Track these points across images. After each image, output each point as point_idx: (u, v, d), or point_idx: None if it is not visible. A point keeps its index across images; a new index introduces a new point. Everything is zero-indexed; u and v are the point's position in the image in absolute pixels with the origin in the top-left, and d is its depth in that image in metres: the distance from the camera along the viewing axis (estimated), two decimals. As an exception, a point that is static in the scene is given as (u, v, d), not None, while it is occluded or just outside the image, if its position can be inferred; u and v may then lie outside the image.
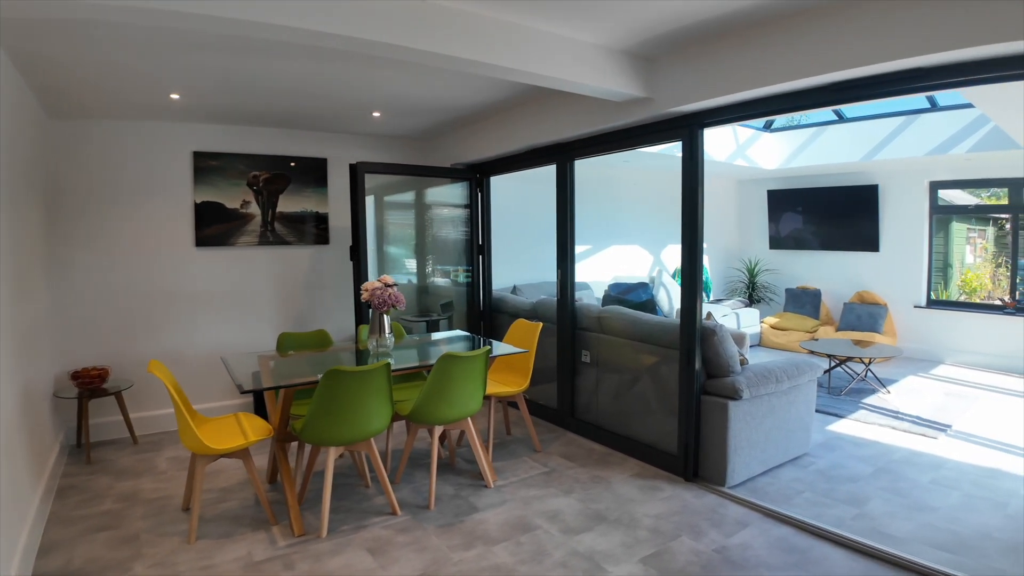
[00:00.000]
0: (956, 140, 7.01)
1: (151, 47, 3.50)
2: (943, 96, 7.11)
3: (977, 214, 10.40)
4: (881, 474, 4.37)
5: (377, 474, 3.79)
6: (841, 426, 5.45)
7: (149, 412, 5.40)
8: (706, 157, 7.62)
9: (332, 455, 3.58)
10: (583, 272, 7.98)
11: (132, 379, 5.18)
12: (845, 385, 6.59)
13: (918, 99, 7.29)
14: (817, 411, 5.73)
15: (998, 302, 8.29)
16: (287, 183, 6.08)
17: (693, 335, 3.96)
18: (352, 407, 3.46)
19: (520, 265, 7.13)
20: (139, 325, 5.38)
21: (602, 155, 4.83)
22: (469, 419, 4.05)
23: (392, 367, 3.72)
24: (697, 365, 4.00)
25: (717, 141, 7.71)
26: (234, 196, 5.81)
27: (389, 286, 4.16)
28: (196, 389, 5.44)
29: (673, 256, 9.09)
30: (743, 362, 4.16)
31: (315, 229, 6.27)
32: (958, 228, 13.84)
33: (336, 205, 6.27)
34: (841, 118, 8.03)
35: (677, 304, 7.78)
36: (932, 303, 8.56)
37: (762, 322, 9.15)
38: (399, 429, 5.28)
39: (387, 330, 4.22)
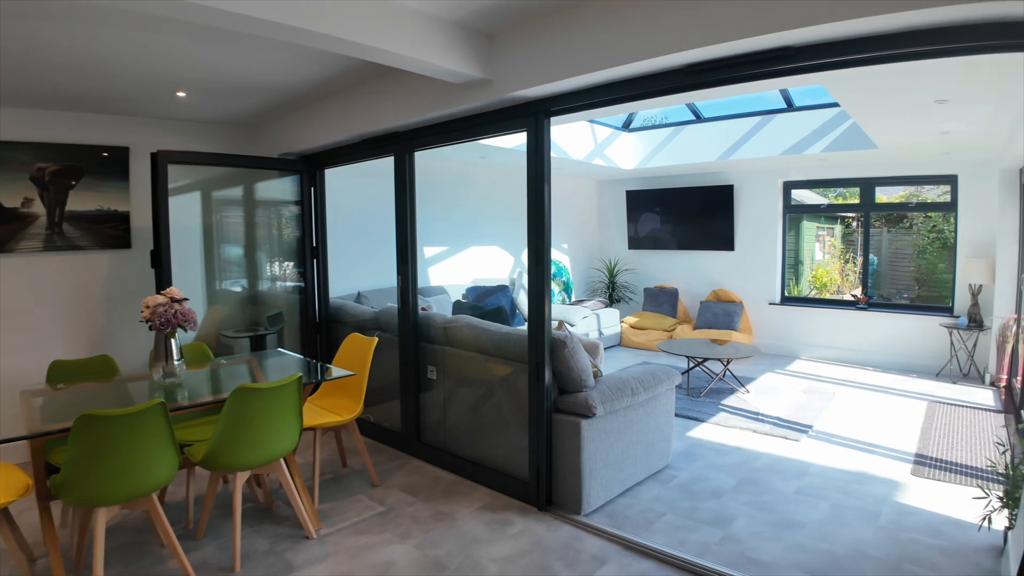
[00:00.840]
0: (811, 140, 7.11)
1: None
2: (799, 96, 7.21)
3: (828, 212, 10.93)
4: (745, 486, 4.15)
5: (162, 535, 3.05)
6: (702, 431, 5.25)
7: None
8: (564, 156, 7.41)
9: (102, 517, 2.82)
10: (440, 275, 7.45)
11: None
12: (704, 386, 6.48)
13: (775, 99, 7.35)
14: (677, 415, 5.52)
15: (850, 298, 8.60)
16: (79, 176, 5.11)
17: (542, 347, 3.52)
18: (120, 457, 2.73)
19: (366, 270, 6.49)
20: None
21: (443, 146, 4.31)
22: (283, 460, 3.39)
23: (181, 402, 3.01)
24: (547, 380, 3.56)
25: (575, 139, 7.43)
26: (13, 193, 4.80)
27: (176, 301, 3.42)
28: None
29: (533, 257, 8.79)
30: (597, 374, 3.78)
31: (114, 231, 5.33)
32: (808, 227, 14.60)
33: (142, 202, 5.34)
34: (698, 118, 8.00)
35: (536, 307, 7.43)
36: (786, 300, 8.76)
37: (622, 322, 9.03)
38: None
39: (175, 355, 3.47)
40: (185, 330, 3.52)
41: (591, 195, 10.03)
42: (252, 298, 5.95)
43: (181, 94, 4.74)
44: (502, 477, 3.97)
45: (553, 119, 3.59)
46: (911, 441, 5.03)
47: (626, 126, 8.38)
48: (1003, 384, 6.61)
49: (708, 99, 4.72)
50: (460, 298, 7.14)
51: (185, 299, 3.51)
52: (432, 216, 7.37)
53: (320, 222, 5.56)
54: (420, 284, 7.09)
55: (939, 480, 4.26)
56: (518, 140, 6.77)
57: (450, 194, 7.53)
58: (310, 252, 5.55)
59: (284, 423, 3.29)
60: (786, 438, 5.07)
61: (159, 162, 4.61)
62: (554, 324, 4.06)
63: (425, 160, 6.30)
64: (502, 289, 7.27)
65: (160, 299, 3.40)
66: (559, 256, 9.28)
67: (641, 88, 3.14)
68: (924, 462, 4.58)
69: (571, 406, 3.57)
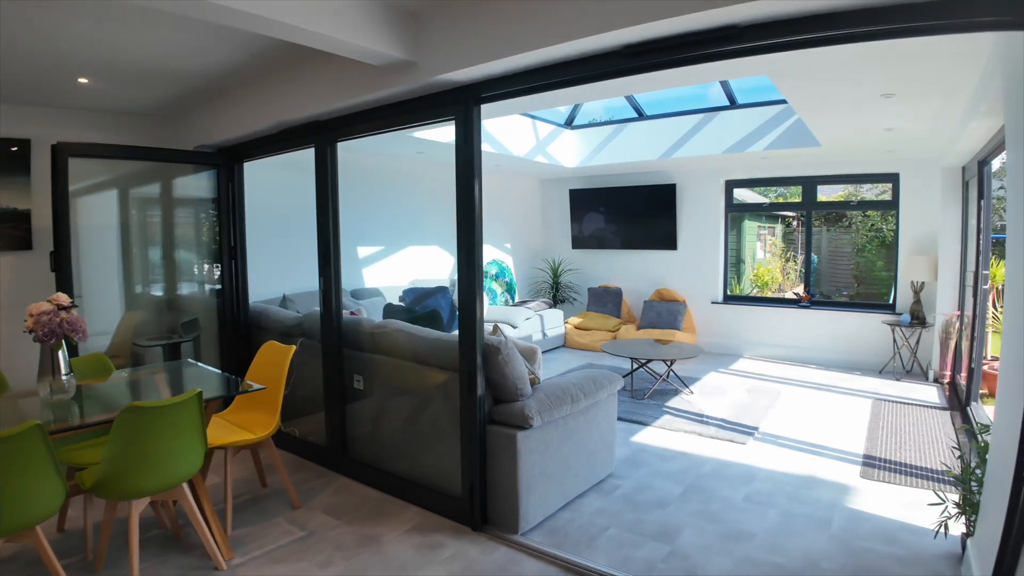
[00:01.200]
0: (754, 138, 7.02)
1: None
2: (742, 93, 7.10)
3: (769, 211, 10.97)
4: (691, 494, 3.94)
5: (51, 570, 2.65)
6: (646, 435, 5.05)
7: None
8: (505, 152, 7.14)
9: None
10: (376, 277, 7.09)
11: None
12: (648, 388, 6.29)
13: (717, 96, 7.23)
14: (620, 419, 5.32)
15: (793, 296, 8.57)
16: (-33, 171, 4.63)
17: (473, 355, 3.23)
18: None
19: (293, 271, 6.07)
20: None
21: (367, 136, 3.99)
22: (186, 485, 3.02)
23: (70, 421, 2.64)
24: (480, 390, 3.27)
25: (516, 136, 7.16)
26: None
27: (64, 308, 3.01)
28: None
29: (475, 257, 8.49)
30: (534, 381, 3.51)
31: (15, 231, 4.85)
32: (749, 226, 14.71)
33: (46, 199, 4.84)
34: (641, 115, 7.84)
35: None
36: (729, 299, 8.68)
37: (566, 322, 8.82)
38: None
39: (63, 369, 3.07)
40: (72, 341, 3.12)
41: (534, 194, 9.80)
42: (168, 303, 5.51)
43: (83, 80, 4.31)
44: (434, 495, 3.66)
45: (488, 108, 3.31)
46: (858, 441, 4.92)
47: (568, 123, 8.17)
48: (947, 380, 6.62)
49: (649, 90, 4.52)
50: (398, 300, 6.80)
51: (73, 306, 3.10)
52: (367, 214, 7.02)
53: (239, 219, 5.14)
54: (354, 286, 6.76)
55: (889, 482, 4.15)
56: (434, 123, 6.47)
57: (386, 191, 7.19)
58: (228, 252, 5.13)
59: (184, 444, 2.92)
60: (732, 441, 4.90)
61: (59, 155, 4.20)
62: (488, 328, 3.77)
63: (358, 155, 5.97)
64: (441, 291, 6.96)
65: (45, 306, 2.99)
66: (502, 256, 9.01)
67: (577, 72, 2.88)
68: (873, 463, 4.47)
69: (506, 417, 3.29)
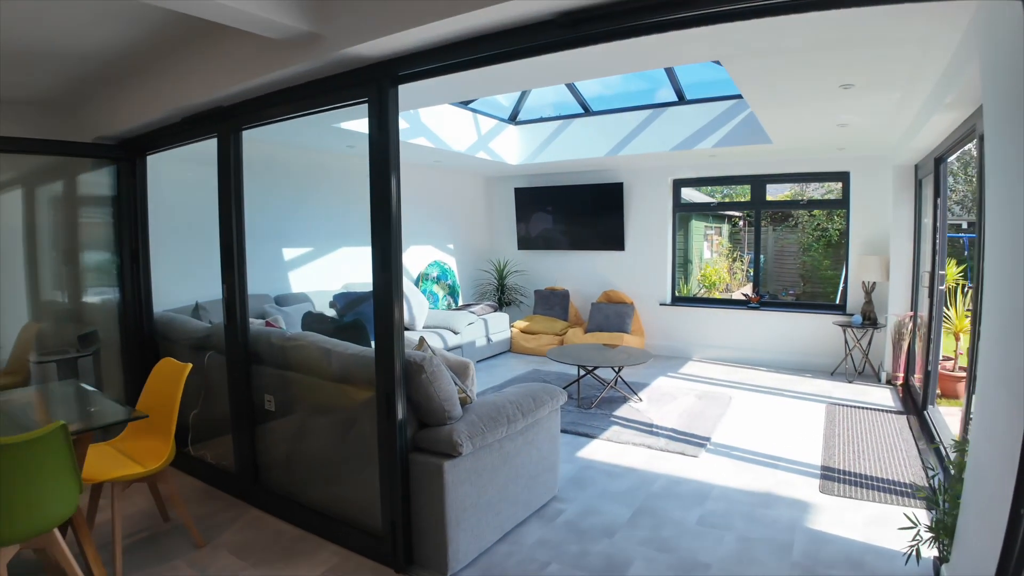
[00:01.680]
0: (702, 135, 6.75)
1: None
2: (691, 89, 6.82)
3: (718, 211, 10.79)
4: (641, 518, 3.59)
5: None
6: (593, 449, 4.69)
7: None
8: (444, 147, 6.69)
9: None
10: (304, 281, 6.57)
11: None
12: (596, 395, 5.94)
13: (665, 92, 6.95)
14: (566, 432, 4.96)
15: (741, 296, 8.36)
16: None
17: (392, 374, 2.79)
18: None
19: (208, 275, 5.49)
20: None
21: (274, 122, 3.51)
22: (56, 532, 2.52)
23: None
24: (400, 414, 2.84)
25: (457, 130, 6.74)
26: None
27: None
28: None
29: (416, 258, 8.00)
30: (466, 401, 3.09)
31: None
32: (696, 226, 14.60)
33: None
34: (587, 111, 7.50)
35: (419, 316, 6.69)
36: (677, 300, 8.43)
37: (512, 326, 8.43)
38: None
39: None
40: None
41: (479, 192, 9.39)
42: (69, 313, 4.92)
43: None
44: (355, 532, 3.21)
45: (419, 94, 2.94)
46: (815, 450, 4.67)
47: (512, 119, 7.78)
48: (900, 382, 6.47)
49: (593, 76, 4.15)
50: (328, 305, 6.29)
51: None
52: (295, 214, 6.50)
53: (141, 218, 4.60)
54: (280, 291, 6.23)
55: (850, 497, 3.88)
56: (346, 104, 6.01)
57: (317, 189, 6.67)
58: (129, 255, 4.58)
59: (49, 485, 2.44)
60: (683, 454, 4.59)
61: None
62: (413, 340, 3.34)
63: (286, 150, 5.51)
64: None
65: None
66: (444, 258, 8.57)
67: (508, 44, 2.48)
68: (832, 476, 4.21)
69: (433, 444, 2.87)
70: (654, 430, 5.09)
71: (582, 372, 5.99)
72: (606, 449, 4.70)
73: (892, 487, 4.02)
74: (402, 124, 5.89)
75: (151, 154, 4.62)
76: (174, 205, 5.01)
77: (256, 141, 5.21)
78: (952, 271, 6.32)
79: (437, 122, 6.40)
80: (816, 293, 13.77)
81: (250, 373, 3.75)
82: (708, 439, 4.90)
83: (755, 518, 3.60)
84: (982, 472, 2.30)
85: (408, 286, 7.06)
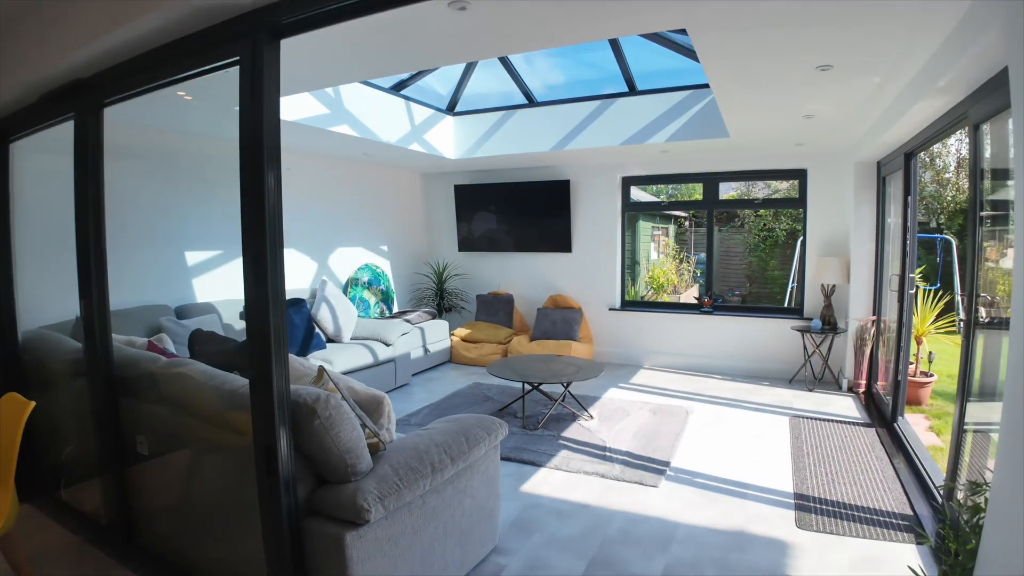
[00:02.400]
0: (655, 128, 6.23)
1: None
2: (643, 79, 6.29)
3: (669, 210, 10.37)
4: (597, 570, 3.01)
5: None
6: (540, 482, 4.10)
7: None
8: (371, 137, 5.95)
9: None
10: (212, 289, 5.77)
11: None
12: (542, 413, 5.36)
13: (615, 80, 6.40)
14: (509, 460, 4.36)
15: (694, 300, 7.92)
16: None
17: (272, 420, 2.11)
18: None
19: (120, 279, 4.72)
20: None
21: (138, 93, 2.79)
22: None
23: None
24: (285, 472, 2.16)
25: (385, 119, 6.05)
26: None
27: None
28: None
29: (343, 262, 7.26)
30: (377, 448, 2.44)
31: None
32: (644, 226, 14.21)
33: None
34: (531, 101, 6.91)
35: (345, 326, 6.00)
36: (627, 304, 7.94)
37: (452, 334, 7.78)
38: None
39: None
40: None
41: (415, 189, 8.70)
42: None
43: None
44: (240, 611, 2.53)
45: (318, 67, 2.25)
46: (784, 474, 4.20)
47: (450, 109, 7.14)
48: (862, 390, 6.10)
49: (532, 47, 3.51)
50: (239, 316, 5.52)
51: None
52: (199, 212, 5.71)
53: (2, 215, 3.80)
54: (181, 301, 5.44)
55: (830, 532, 3.41)
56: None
57: (227, 184, 5.88)
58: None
59: None
60: (642, 483, 4.04)
61: None
62: (310, 369, 2.67)
63: (184, 140, 4.80)
64: (295, 304, 5.75)
65: None
66: (377, 261, 7.84)
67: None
68: (808, 506, 3.73)
69: (332, 507, 2.21)
70: (607, 454, 4.53)
71: (527, 387, 5.40)
72: (555, 480, 4.11)
73: (875, 518, 3.57)
74: (320, 109, 5.20)
75: (14, 141, 3.83)
76: (56, 202, 4.21)
77: (152, 130, 4.43)
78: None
79: (364, 109, 5.71)
80: (762, 294, 13.58)
81: (117, 407, 3.01)
82: (667, 463, 4.37)
83: (730, 566, 3.07)
84: (1011, 525, 1.80)
85: (333, 292, 6.34)
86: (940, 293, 6.93)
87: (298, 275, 6.63)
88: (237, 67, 2.14)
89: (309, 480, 2.30)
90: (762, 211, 13.34)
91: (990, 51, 2.65)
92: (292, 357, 2.82)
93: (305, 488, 2.28)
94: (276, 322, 2.05)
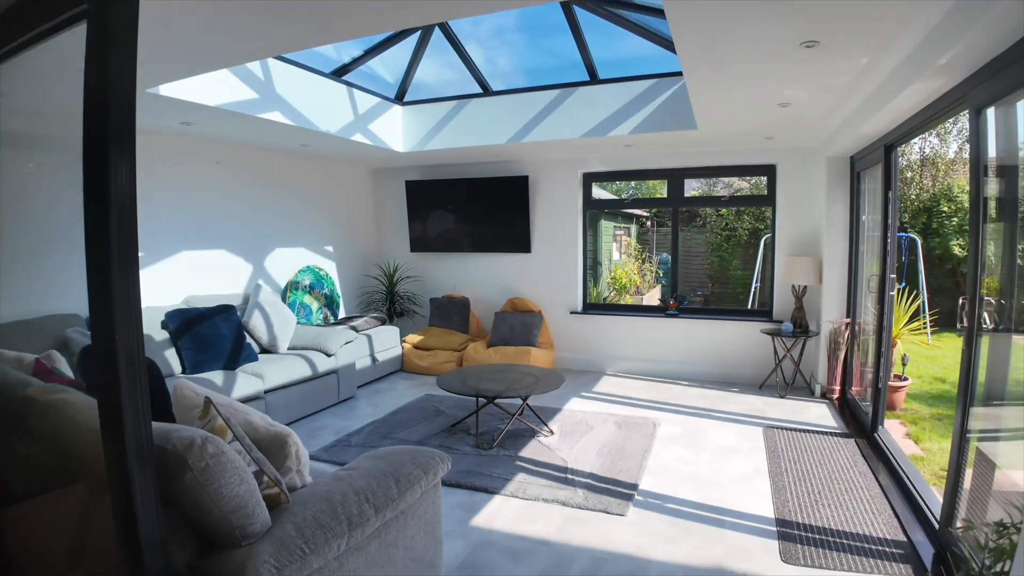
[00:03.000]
0: (618, 119, 5.80)
1: None
2: (605, 66, 5.86)
3: (631, 207, 9.99)
4: (556, 630, 2.56)
5: None
6: (494, 512, 3.62)
7: None
8: (308, 126, 5.26)
9: None
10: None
11: None
12: (498, 429, 4.90)
13: (575, 67, 5.95)
14: (459, 486, 3.90)
15: (658, 302, 7.54)
16: None
17: (125, 473, 1.58)
18: None
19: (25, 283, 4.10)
20: None
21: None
22: None
23: None
24: (147, 535, 1.63)
25: (325, 108, 5.50)
26: None
27: None
28: None
29: (283, 264, 6.68)
30: (278, 501, 1.93)
31: None
32: (606, 226, 13.86)
33: None
34: (486, 90, 6.43)
35: (282, 335, 5.46)
36: (589, 307, 7.52)
37: (404, 341, 7.26)
38: None
39: None
40: None
41: (363, 186, 8.14)
42: None
43: None
44: None
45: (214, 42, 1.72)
46: (763, 495, 3.82)
47: (399, 98, 6.61)
48: (836, 396, 5.78)
49: (486, 8, 3.04)
50: (160, 326, 4.93)
51: None
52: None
53: None
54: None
55: (820, 566, 3.05)
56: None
57: (147, 181, 5.29)
58: None
59: None
60: (607, 511, 3.61)
61: None
62: (192, 400, 2.15)
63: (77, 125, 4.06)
64: (223, 311, 5.17)
65: None
66: (321, 262, 7.26)
67: None
68: (792, 535, 3.34)
69: (216, 580, 1.71)
70: (569, 476, 4.09)
71: (482, 402, 4.92)
72: (510, 511, 3.64)
73: (866, 547, 3.21)
74: (248, 93, 4.65)
75: None
76: None
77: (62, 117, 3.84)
78: (878, 272, 5.69)
79: (300, 95, 5.16)
80: (724, 294, 13.36)
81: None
82: (635, 486, 3.94)
83: (711, 616, 2.64)
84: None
85: (268, 298, 5.77)
86: (909, 292, 6.71)
87: (230, 279, 6.03)
88: (84, 24, 1.61)
89: (191, 544, 1.79)
90: (724, 210, 13.12)
91: (1003, 21, 2.28)
92: (183, 383, 2.30)
93: (185, 555, 1.77)
94: (129, 342, 1.53)
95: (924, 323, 6.64)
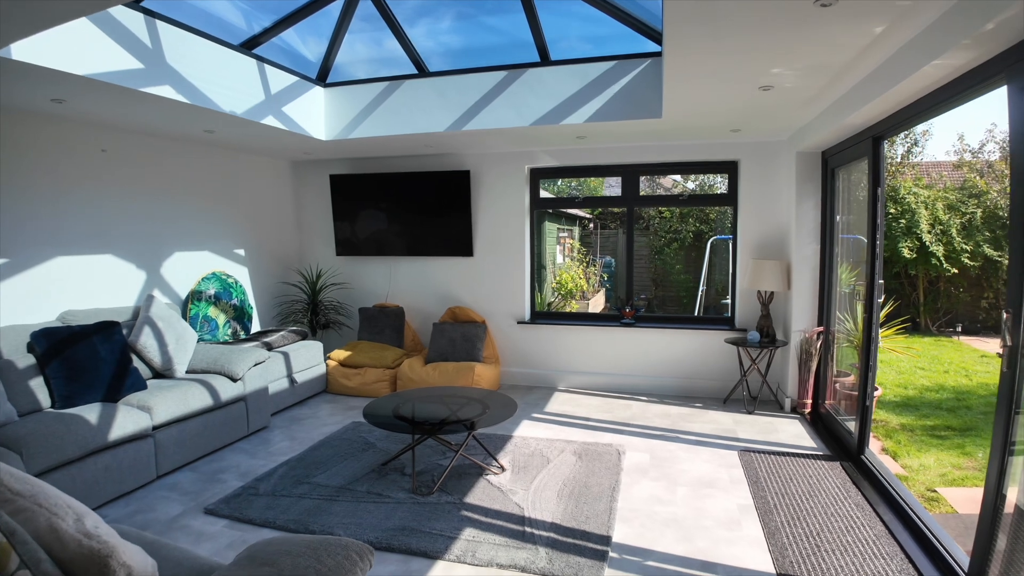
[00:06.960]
0: (571, 107, 5.13)
1: None
2: (558, 46, 5.17)
3: (584, 206, 9.37)
4: None
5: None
6: (438, 584, 2.89)
7: None
8: (208, 105, 4.09)
9: None
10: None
11: None
12: (440, 469, 4.15)
13: (525, 46, 5.25)
14: (390, 550, 3.16)
15: (604, 306, 6.93)
16: None
17: None
18: None
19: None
20: None
21: None
22: None
23: None
24: None
25: (229, 83, 4.63)
26: None
27: None
28: None
29: (184, 271, 5.71)
30: None
31: None
32: (550, 228, 13.24)
33: None
34: (422, 71, 5.65)
35: (179, 356, 4.59)
36: (537, 316, 6.85)
37: (328, 358, 6.40)
38: None
39: None
40: None
41: (282, 181, 7.23)
42: None
43: None
44: None
45: None
46: (756, 542, 3.24)
47: (321, 79, 5.77)
48: (807, 411, 5.30)
49: None
50: (26, 348, 3.98)
51: None
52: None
53: None
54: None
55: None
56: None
57: (14, 172, 4.31)
58: None
59: None
60: None
61: None
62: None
63: None
64: (104, 329, 4.24)
65: None
66: (229, 268, 6.32)
67: None
68: (802, 601, 2.73)
69: None
70: (527, 530, 3.37)
71: (417, 438, 4.16)
72: (457, 579, 2.92)
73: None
74: (131, 63, 3.79)
75: None
76: None
77: None
78: (847, 275, 5.25)
79: (197, 67, 4.29)
80: (668, 298, 12.98)
81: None
82: (608, 539, 3.27)
83: None
84: None
85: (162, 311, 4.84)
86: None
87: (118, 289, 5.07)
88: None
89: None
90: (667, 212, 12.74)
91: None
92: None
93: None
94: None
95: (894, 329, 6.26)
